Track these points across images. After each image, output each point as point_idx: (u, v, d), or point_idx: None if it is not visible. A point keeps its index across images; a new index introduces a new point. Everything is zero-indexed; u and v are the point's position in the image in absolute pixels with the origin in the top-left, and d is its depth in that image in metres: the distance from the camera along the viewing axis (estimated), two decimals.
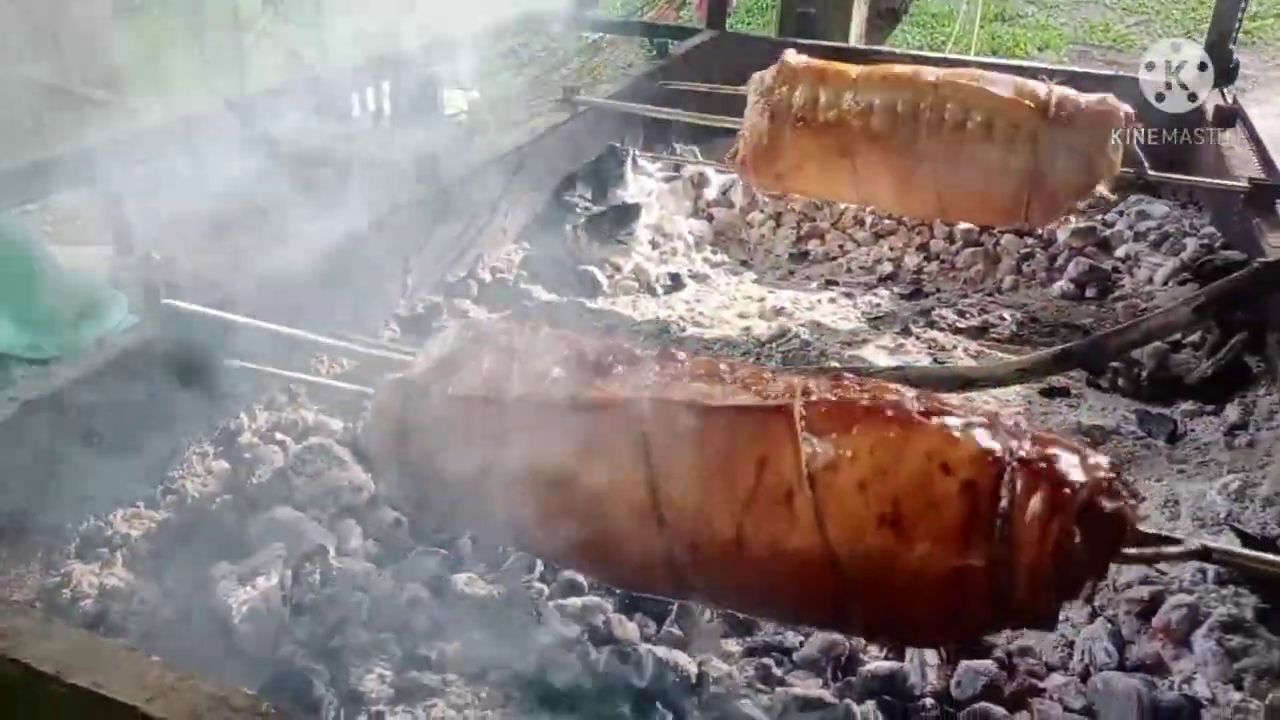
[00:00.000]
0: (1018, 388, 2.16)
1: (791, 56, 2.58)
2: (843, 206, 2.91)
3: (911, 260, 2.79)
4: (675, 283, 2.55)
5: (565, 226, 2.58)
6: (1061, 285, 2.61)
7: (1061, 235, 2.73)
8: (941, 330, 2.44)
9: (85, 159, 2.52)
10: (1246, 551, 1.21)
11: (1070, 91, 2.36)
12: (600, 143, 2.87)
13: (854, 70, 2.50)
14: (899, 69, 2.49)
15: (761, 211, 2.94)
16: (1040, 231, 2.75)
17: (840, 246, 2.86)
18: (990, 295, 2.65)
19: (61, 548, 1.48)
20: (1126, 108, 2.35)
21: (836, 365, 2.15)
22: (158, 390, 1.64)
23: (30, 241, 3.96)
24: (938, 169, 2.38)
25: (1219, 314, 1.95)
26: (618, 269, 2.57)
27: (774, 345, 2.32)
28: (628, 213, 2.61)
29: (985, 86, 2.36)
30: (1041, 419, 2.06)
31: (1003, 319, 2.49)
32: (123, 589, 1.43)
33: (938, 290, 2.67)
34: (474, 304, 2.29)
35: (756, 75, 2.60)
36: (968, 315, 2.52)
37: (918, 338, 2.40)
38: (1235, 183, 2.37)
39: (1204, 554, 1.10)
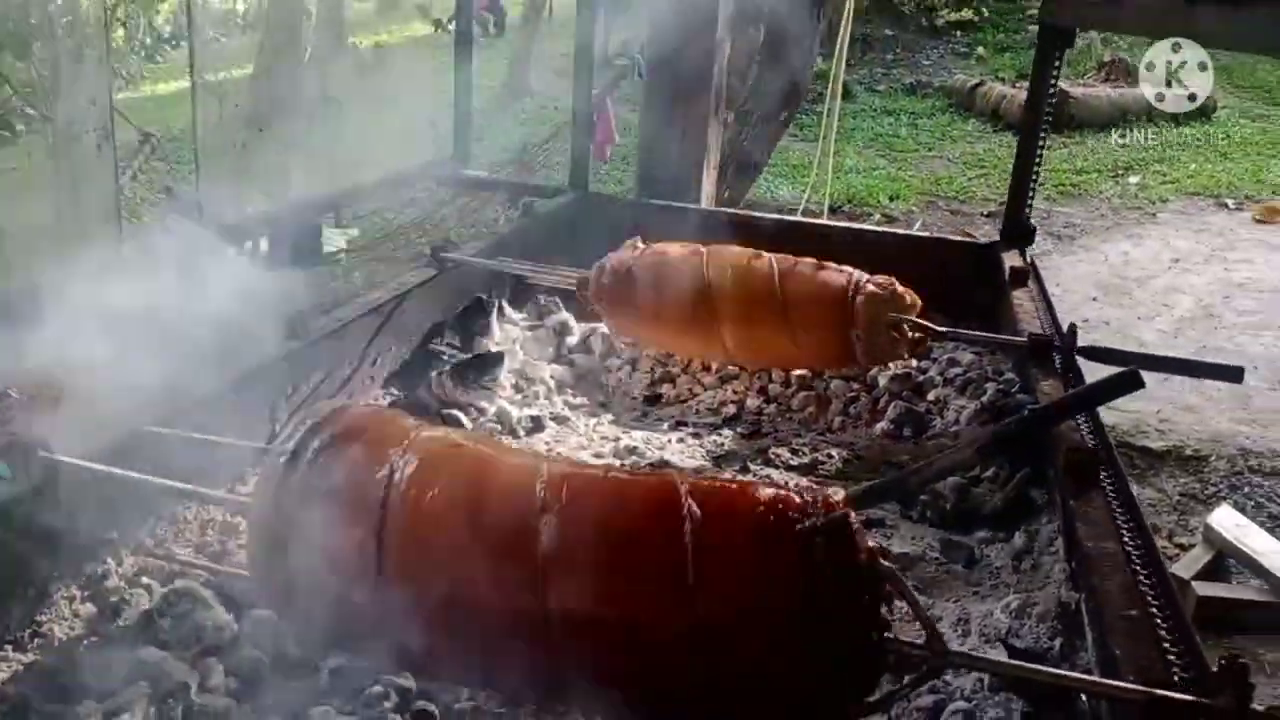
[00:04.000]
0: None
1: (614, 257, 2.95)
2: None
3: (753, 403, 3.06)
4: (536, 424, 2.75)
5: (431, 373, 2.77)
6: (882, 425, 2.92)
7: (882, 380, 3.06)
8: (776, 468, 2.70)
9: None
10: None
11: (863, 277, 2.77)
12: (469, 294, 3.10)
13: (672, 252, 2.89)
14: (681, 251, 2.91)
15: (619, 357, 3.20)
16: (864, 377, 3.07)
17: (690, 390, 3.13)
18: (821, 435, 2.93)
19: None
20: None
21: None
22: (25, 539, 1.73)
23: None
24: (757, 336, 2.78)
25: (999, 453, 2.25)
26: (482, 412, 2.75)
27: None
28: (491, 360, 2.81)
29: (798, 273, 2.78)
30: (889, 546, 2.31)
31: (830, 456, 2.77)
32: None
33: (775, 430, 2.94)
34: None
35: (582, 279, 2.96)
36: (800, 454, 2.78)
37: (754, 474, 2.64)
38: (1016, 338, 2.74)
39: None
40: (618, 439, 2.78)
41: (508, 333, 3.13)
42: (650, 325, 2.99)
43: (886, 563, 1.40)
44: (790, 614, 1.33)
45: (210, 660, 1.67)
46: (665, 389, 3.13)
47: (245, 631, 1.73)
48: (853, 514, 1.38)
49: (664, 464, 2.65)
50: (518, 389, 2.94)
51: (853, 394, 3.06)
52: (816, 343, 2.95)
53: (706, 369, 3.19)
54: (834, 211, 10.83)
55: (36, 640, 1.68)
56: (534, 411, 2.82)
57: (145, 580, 1.84)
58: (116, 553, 1.89)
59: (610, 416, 2.95)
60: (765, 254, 3.00)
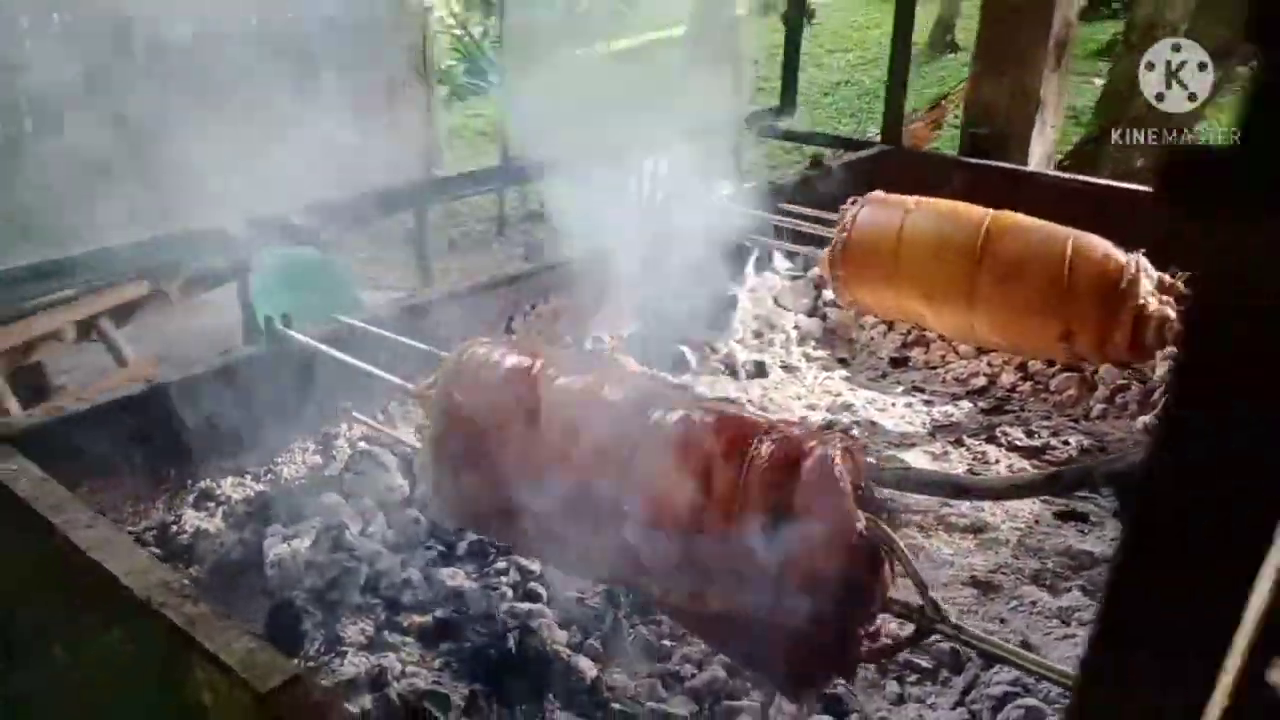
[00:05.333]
0: (1034, 506, 2.26)
1: (875, 196, 2.86)
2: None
3: (1008, 378, 2.88)
4: (760, 370, 2.83)
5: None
6: (1146, 420, 2.61)
7: (1160, 370, 2.72)
8: (999, 446, 2.54)
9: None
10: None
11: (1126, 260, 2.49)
12: (737, 238, 3.23)
13: (910, 204, 2.76)
14: (951, 207, 2.73)
15: (875, 316, 3.15)
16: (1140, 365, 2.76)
17: (942, 357, 3.01)
18: (1075, 421, 2.69)
19: (183, 496, 2.05)
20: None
21: None
22: (286, 397, 2.19)
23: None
24: (987, 310, 2.60)
25: None
26: (714, 351, 2.89)
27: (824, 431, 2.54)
28: (727, 303, 2.93)
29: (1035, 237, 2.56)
30: (1040, 537, 2.15)
31: (1067, 444, 2.55)
32: (212, 533, 1.96)
33: (1022, 409, 2.75)
34: None
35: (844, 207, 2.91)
36: (1035, 436, 2.59)
37: (968, 449, 2.52)
38: None
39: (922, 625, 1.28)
40: (839, 395, 2.78)
41: (765, 280, 3.22)
42: (893, 267, 2.87)
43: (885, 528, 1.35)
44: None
45: (377, 513, 2.02)
46: (915, 353, 3.04)
47: (413, 498, 2.07)
48: (838, 469, 1.35)
49: (871, 424, 2.62)
50: (757, 334, 3.02)
51: (1123, 382, 2.76)
52: (1094, 324, 2.68)
53: None
54: None
55: (269, 475, 2.14)
56: (763, 357, 2.89)
57: (363, 445, 2.25)
58: (349, 419, 2.32)
59: (845, 373, 2.94)
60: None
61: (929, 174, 3.57)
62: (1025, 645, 1.72)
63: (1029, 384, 2.85)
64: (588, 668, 1.71)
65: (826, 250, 2.93)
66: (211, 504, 2.05)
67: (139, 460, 1.95)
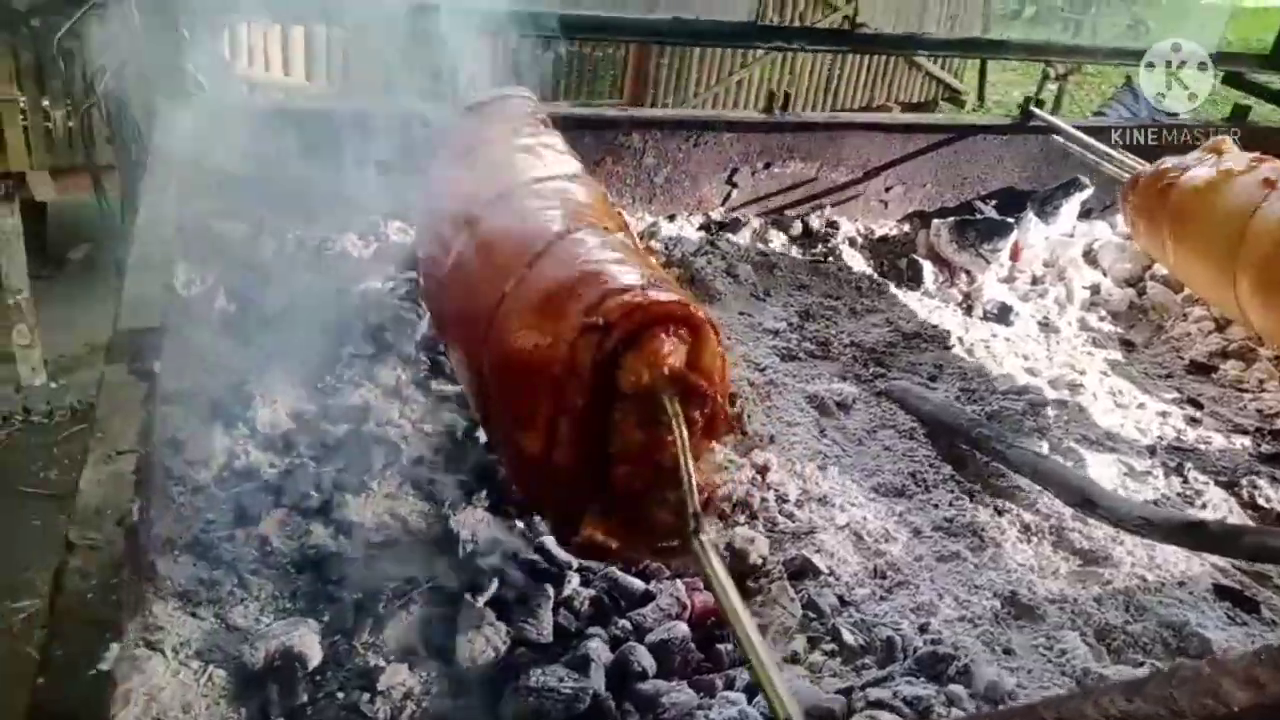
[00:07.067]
0: (1196, 567, 1.72)
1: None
2: None
3: None
4: (1001, 314, 2.40)
5: (935, 220, 2.58)
6: None
7: None
8: (1231, 494, 1.94)
9: None
10: None
11: None
12: (1072, 173, 2.71)
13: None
14: None
15: (1205, 309, 2.49)
16: None
17: (1259, 380, 2.32)
18: None
19: None
20: None
21: (1022, 446, 1.95)
22: None
23: None
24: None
25: None
26: (971, 278, 2.51)
27: (1008, 395, 2.12)
28: (999, 228, 2.49)
29: None
30: (1162, 600, 1.63)
31: None
32: None
33: None
34: (783, 239, 2.52)
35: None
36: None
37: (1186, 482, 1.96)
38: None
39: None
40: (1081, 373, 2.26)
41: (1094, 229, 2.67)
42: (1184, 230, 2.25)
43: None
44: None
45: None
46: (1228, 366, 2.37)
47: None
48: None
49: (1080, 410, 2.12)
50: (1035, 281, 2.55)
51: None
52: None
53: None
54: None
55: None
56: (1020, 305, 2.45)
57: None
58: None
59: (1116, 357, 2.39)
60: None
61: None
62: (987, 696, 1.36)
63: None
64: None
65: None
66: None
67: None
